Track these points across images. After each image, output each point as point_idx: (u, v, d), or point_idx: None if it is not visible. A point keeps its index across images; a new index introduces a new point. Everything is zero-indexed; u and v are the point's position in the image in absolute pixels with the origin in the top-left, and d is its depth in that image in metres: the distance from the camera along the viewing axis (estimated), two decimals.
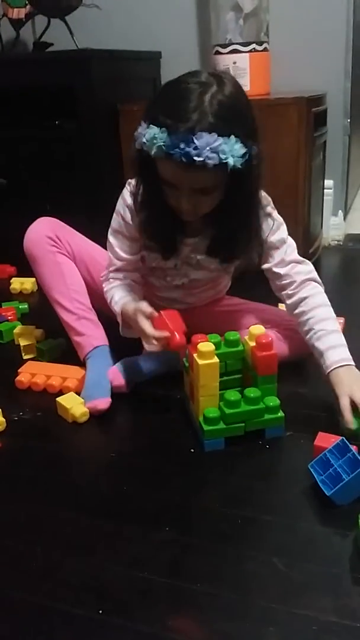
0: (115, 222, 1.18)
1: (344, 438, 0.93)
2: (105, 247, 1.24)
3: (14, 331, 1.43)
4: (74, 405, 1.12)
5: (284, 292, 1.19)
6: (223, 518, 0.87)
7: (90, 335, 1.24)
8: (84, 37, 1.96)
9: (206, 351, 0.99)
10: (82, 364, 1.25)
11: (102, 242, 1.25)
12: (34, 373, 1.25)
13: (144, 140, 0.97)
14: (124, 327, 1.13)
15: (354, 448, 0.90)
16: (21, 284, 1.77)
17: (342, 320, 1.43)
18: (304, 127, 1.67)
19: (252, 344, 1.04)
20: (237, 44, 1.78)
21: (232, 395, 1.02)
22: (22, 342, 1.36)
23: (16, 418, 1.14)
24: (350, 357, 1.08)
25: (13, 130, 1.93)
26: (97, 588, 0.77)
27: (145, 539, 0.84)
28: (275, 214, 1.19)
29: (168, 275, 1.23)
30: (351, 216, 2.34)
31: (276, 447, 1.02)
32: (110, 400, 1.14)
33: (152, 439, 1.07)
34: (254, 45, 1.79)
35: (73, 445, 1.07)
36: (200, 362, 1.00)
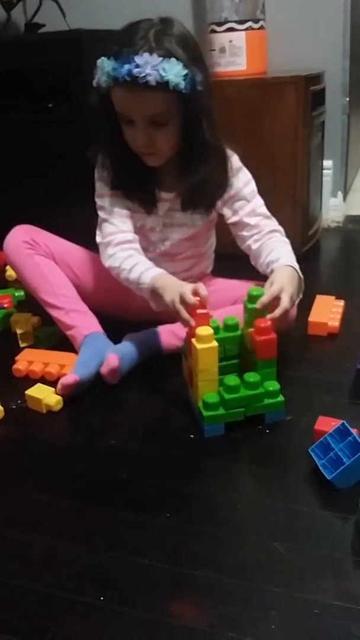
0: (103, 202, 1.21)
1: (344, 422, 0.92)
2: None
3: (11, 319, 1.42)
4: (47, 395, 1.11)
5: (250, 240, 1.22)
6: (223, 503, 0.87)
7: (80, 325, 1.24)
8: (76, 17, 1.92)
9: (205, 335, 0.98)
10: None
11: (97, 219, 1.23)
12: (31, 361, 1.24)
13: (97, 75, 1.05)
14: (154, 300, 1.11)
15: (354, 431, 0.90)
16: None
17: (342, 303, 1.42)
18: (301, 106, 1.65)
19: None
20: (232, 22, 1.75)
21: (232, 380, 1.01)
22: (19, 330, 1.35)
23: (14, 406, 1.14)
24: (297, 267, 1.13)
25: (5, 114, 1.90)
26: (98, 575, 0.77)
27: (145, 526, 0.84)
28: (244, 169, 1.24)
29: (150, 240, 1.24)
30: (351, 197, 2.31)
31: (276, 431, 1.02)
32: (77, 377, 1.11)
33: (152, 426, 1.06)
34: (250, 23, 1.75)
35: (72, 433, 1.06)
36: (199, 346, 0.99)
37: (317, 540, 0.79)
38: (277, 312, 1.02)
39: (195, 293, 1.01)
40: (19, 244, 1.27)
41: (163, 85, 1.01)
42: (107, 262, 1.19)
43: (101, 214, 1.22)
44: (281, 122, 1.67)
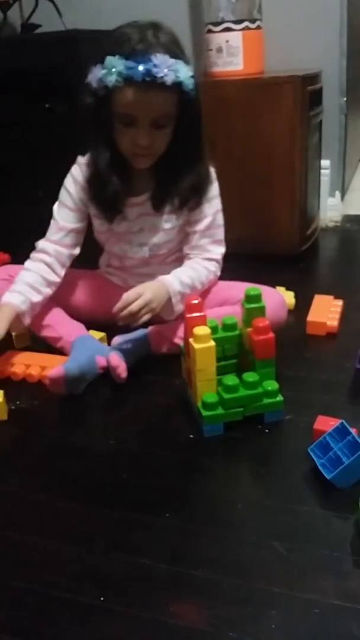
0: (61, 195, 1.25)
1: (343, 421, 0.92)
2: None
3: None
4: None
5: (186, 252, 1.25)
6: (223, 503, 0.87)
7: (66, 333, 1.24)
8: (73, 17, 1.92)
9: (202, 335, 0.98)
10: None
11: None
12: (13, 363, 1.24)
13: (100, 74, 1.03)
14: None
15: (353, 431, 0.90)
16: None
17: (340, 302, 1.42)
18: (299, 106, 1.65)
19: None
20: (229, 22, 1.74)
21: (230, 380, 1.01)
22: (14, 331, 1.35)
23: (13, 407, 1.14)
24: (178, 287, 1.15)
25: (2, 115, 1.90)
26: (98, 576, 0.76)
27: (145, 526, 0.83)
28: (216, 184, 1.24)
29: (129, 245, 1.26)
30: (349, 197, 2.32)
31: (275, 431, 1.02)
32: (62, 369, 1.11)
33: (151, 426, 1.06)
34: (246, 23, 1.75)
35: (71, 434, 1.06)
36: (197, 346, 0.99)
37: (317, 539, 0.79)
38: (118, 304, 1.07)
39: None
40: None
41: (175, 86, 1.02)
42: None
43: (52, 221, 1.26)
44: (279, 122, 1.67)
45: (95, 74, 1.05)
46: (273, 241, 1.77)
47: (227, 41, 1.76)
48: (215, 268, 1.25)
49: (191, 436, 1.02)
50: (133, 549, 0.80)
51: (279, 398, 1.03)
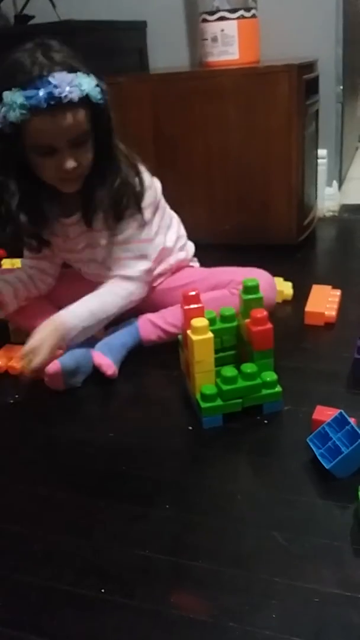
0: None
1: (342, 411, 0.92)
2: None
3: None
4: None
5: (107, 265, 1.21)
6: (222, 494, 0.87)
7: None
8: (67, 8, 1.90)
9: (200, 326, 0.98)
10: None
11: None
12: (11, 356, 1.24)
13: (2, 112, 0.97)
14: None
15: (352, 421, 0.90)
16: (12, 264, 1.74)
17: (338, 292, 1.41)
18: (295, 95, 1.64)
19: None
20: (224, 10, 1.73)
21: (229, 371, 1.01)
22: (11, 326, 1.35)
23: (11, 401, 1.14)
24: (72, 321, 1.13)
25: None
26: (98, 568, 0.77)
27: (145, 518, 0.84)
28: (150, 192, 1.18)
29: (79, 263, 1.25)
30: (346, 186, 2.31)
31: (274, 422, 1.02)
32: (58, 363, 1.11)
33: (150, 418, 1.06)
34: (241, 12, 1.74)
35: (70, 427, 1.06)
36: (195, 337, 0.98)
37: (317, 529, 0.80)
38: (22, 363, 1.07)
39: None
40: None
41: (82, 100, 0.98)
42: None
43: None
44: (275, 112, 1.66)
45: None
46: (270, 232, 1.77)
47: (223, 30, 1.75)
48: (133, 288, 1.19)
49: (190, 428, 1.02)
50: (133, 540, 0.80)
51: (278, 389, 1.03)
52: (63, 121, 0.98)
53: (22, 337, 1.33)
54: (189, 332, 1.00)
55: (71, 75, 0.96)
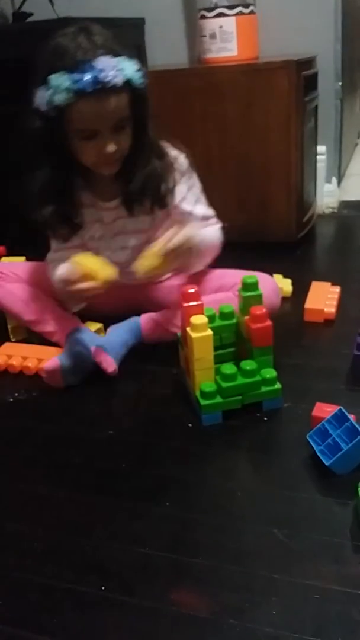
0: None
1: (342, 408, 0.92)
2: None
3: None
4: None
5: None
6: (222, 491, 0.87)
7: (60, 328, 1.23)
8: (65, 6, 1.89)
9: (199, 324, 0.98)
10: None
11: None
12: (10, 355, 1.24)
13: (48, 96, 0.98)
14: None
15: (352, 417, 0.90)
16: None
17: (337, 289, 1.41)
18: (294, 91, 1.63)
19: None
20: (222, 7, 1.72)
21: (228, 368, 1.01)
22: (10, 324, 1.35)
23: (11, 399, 1.14)
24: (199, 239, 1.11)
25: None
26: (99, 565, 0.77)
27: (145, 515, 0.84)
28: (191, 171, 1.20)
29: (107, 251, 1.22)
30: (345, 183, 2.30)
31: (274, 418, 1.02)
32: (57, 361, 1.11)
33: (149, 415, 1.06)
34: (240, 8, 1.73)
35: (70, 425, 1.06)
36: (194, 335, 0.98)
37: (317, 525, 0.80)
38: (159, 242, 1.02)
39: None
40: None
41: (126, 85, 0.99)
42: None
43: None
44: (274, 108, 1.65)
45: (42, 97, 1.00)
46: (270, 229, 1.76)
47: (221, 27, 1.74)
48: (217, 225, 1.21)
49: (190, 425, 1.02)
50: (133, 538, 0.80)
51: (277, 386, 1.03)
52: (107, 105, 0.99)
53: (21, 335, 1.34)
54: (188, 329, 1.00)
55: (115, 60, 0.98)
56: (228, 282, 1.22)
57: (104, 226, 1.21)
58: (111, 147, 1.04)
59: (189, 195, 1.20)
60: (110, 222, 1.20)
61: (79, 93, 0.97)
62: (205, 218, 1.22)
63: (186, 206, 1.20)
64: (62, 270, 1.14)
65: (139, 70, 1.02)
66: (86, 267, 1.02)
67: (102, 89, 0.97)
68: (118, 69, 0.97)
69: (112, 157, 1.06)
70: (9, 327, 1.35)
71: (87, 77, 0.96)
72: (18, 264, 1.38)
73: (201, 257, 1.18)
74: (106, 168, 1.10)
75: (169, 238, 1.04)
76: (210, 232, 1.20)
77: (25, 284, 1.29)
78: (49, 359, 1.15)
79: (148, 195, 1.14)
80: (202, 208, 1.23)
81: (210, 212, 1.24)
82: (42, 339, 1.30)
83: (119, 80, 0.97)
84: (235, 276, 1.26)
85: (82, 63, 0.96)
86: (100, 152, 1.05)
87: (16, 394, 1.15)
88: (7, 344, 1.29)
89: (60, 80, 0.97)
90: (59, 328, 1.24)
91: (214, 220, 1.24)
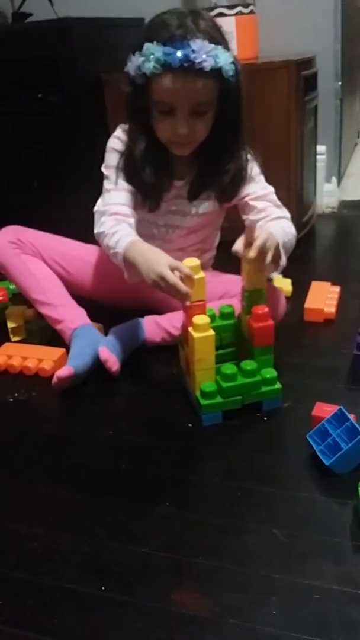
0: (111, 159, 1.17)
1: (342, 407, 0.92)
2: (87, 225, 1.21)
3: (5, 312, 1.41)
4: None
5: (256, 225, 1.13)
6: (222, 491, 0.87)
7: (68, 319, 1.23)
8: (64, 6, 1.90)
9: (201, 324, 0.98)
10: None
11: (91, 209, 1.21)
12: (11, 355, 1.24)
13: (138, 62, 1.02)
14: (127, 270, 1.05)
15: (352, 417, 0.90)
16: None
17: (337, 289, 1.41)
18: (294, 91, 1.63)
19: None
20: (222, 7, 1.72)
21: (229, 368, 1.01)
22: (10, 324, 1.35)
23: (11, 400, 1.14)
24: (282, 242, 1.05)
25: None
26: (99, 565, 0.77)
27: (145, 515, 0.84)
28: (262, 176, 1.21)
29: (155, 226, 1.22)
30: (345, 182, 2.30)
31: (274, 418, 1.02)
32: (72, 369, 1.10)
33: (149, 415, 1.06)
34: (239, 8, 1.73)
35: (70, 425, 1.06)
36: (196, 335, 0.98)
37: (317, 525, 0.80)
38: (257, 242, 0.96)
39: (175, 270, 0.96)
40: (5, 244, 1.26)
41: (214, 72, 1.00)
42: (96, 229, 1.14)
43: (106, 184, 1.18)
44: (273, 108, 1.65)
45: (134, 62, 1.03)
46: None
47: (221, 27, 1.74)
48: (288, 215, 1.18)
49: (190, 425, 1.02)
50: (133, 538, 0.80)
51: (277, 385, 1.03)
52: (190, 85, 1.01)
53: (21, 335, 1.34)
54: (190, 329, 1.00)
55: (211, 46, 0.99)
56: (232, 290, 1.21)
57: (169, 201, 1.20)
58: (183, 129, 1.05)
59: (258, 189, 1.19)
60: (169, 200, 1.19)
61: (166, 66, 0.99)
62: (278, 205, 1.20)
63: (257, 198, 1.18)
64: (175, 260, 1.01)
65: (233, 62, 1.03)
66: (196, 278, 0.98)
67: (189, 68, 0.98)
68: (211, 54, 0.99)
69: (184, 139, 1.07)
70: (9, 327, 1.35)
71: (179, 53, 0.98)
72: (41, 236, 1.31)
73: (286, 254, 1.11)
74: (177, 149, 1.11)
75: (261, 244, 0.97)
76: (288, 226, 1.16)
77: (42, 260, 1.27)
78: (50, 358, 1.15)
79: (220, 186, 1.15)
80: (272, 195, 1.21)
81: (284, 212, 1.20)
82: (42, 338, 1.30)
83: (207, 64, 0.98)
84: (239, 284, 1.26)
85: (178, 39, 0.98)
86: (172, 131, 1.06)
87: (16, 394, 1.15)
88: (7, 344, 1.29)
89: (153, 50, 1.00)
90: (66, 318, 1.22)
91: (286, 210, 1.20)
